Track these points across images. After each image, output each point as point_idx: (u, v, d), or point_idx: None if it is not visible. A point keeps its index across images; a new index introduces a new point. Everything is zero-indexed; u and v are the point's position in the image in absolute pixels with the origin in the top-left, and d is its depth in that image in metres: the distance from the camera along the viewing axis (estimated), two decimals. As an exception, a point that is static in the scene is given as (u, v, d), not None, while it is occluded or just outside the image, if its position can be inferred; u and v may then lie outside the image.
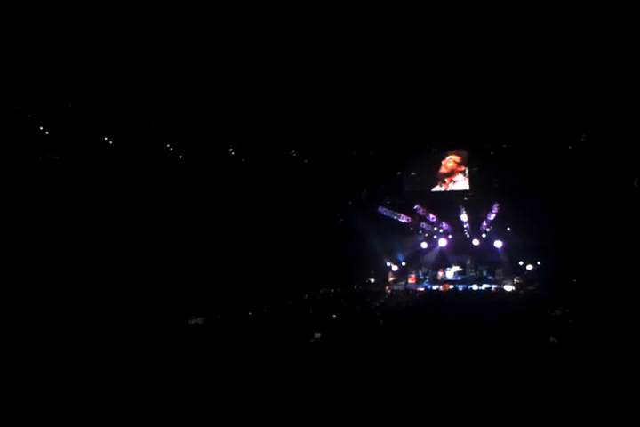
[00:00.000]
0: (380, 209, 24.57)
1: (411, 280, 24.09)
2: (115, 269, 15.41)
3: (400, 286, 23.21)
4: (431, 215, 24.82)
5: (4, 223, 14.40)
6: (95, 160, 17.43)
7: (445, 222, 24.91)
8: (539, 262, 22.11)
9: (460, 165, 23.99)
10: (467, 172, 23.89)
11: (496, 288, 21.63)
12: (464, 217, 24.26)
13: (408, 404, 6.63)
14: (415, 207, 24.54)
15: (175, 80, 17.06)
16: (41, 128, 16.31)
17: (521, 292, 20.21)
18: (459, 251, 24.87)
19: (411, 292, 20.77)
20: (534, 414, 6.24)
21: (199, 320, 13.60)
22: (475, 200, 24.04)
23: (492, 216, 23.62)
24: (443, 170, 24.11)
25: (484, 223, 24.03)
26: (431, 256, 25.20)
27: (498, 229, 23.64)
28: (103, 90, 16.93)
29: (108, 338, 10.43)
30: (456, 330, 10.50)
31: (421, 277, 24.45)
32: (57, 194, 16.23)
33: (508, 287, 21.60)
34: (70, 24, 13.90)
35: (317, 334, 10.83)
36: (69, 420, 6.32)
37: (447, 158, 24.02)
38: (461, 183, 24.04)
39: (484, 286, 22.20)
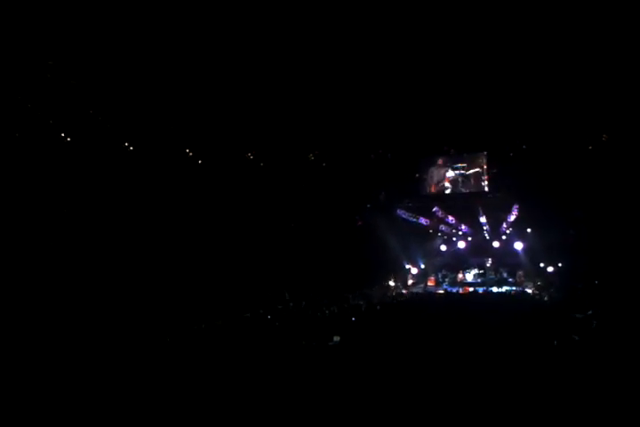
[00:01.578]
0: (399, 212, 24.41)
1: (430, 283, 23.90)
2: (140, 271, 15.74)
3: (419, 289, 23.11)
4: (450, 217, 24.59)
5: (33, 227, 14.73)
6: (116, 165, 17.69)
7: (465, 224, 24.68)
8: (560, 264, 21.81)
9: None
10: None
11: (516, 291, 21.38)
12: (483, 219, 24.01)
13: (423, 405, 6.65)
14: (434, 210, 24.35)
15: (194, 86, 17.24)
16: (62, 134, 16.60)
17: (543, 294, 19.97)
18: (478, 253, 24.61)
19: (430, 294, 20.65)
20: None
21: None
22: (494, 202, 23.80)
23: (512, 218, 23.34)
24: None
25: (504, 225, 23.74)
26: (450, 259, 24.99)
27: (518, 230, 23.36)
28: (123, 97, 17.17)
29: (126, 341, 10.57)
30: (473, 334, 10.45)
31: (441, 280, 24.27)
32: (78, 198, 16.50)
33: (529, 289, 21.36)
34: (95, 32, 14.12)
35: (337, 338, 10.85)
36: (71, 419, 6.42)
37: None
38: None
39: (505, 289, 21.97)
